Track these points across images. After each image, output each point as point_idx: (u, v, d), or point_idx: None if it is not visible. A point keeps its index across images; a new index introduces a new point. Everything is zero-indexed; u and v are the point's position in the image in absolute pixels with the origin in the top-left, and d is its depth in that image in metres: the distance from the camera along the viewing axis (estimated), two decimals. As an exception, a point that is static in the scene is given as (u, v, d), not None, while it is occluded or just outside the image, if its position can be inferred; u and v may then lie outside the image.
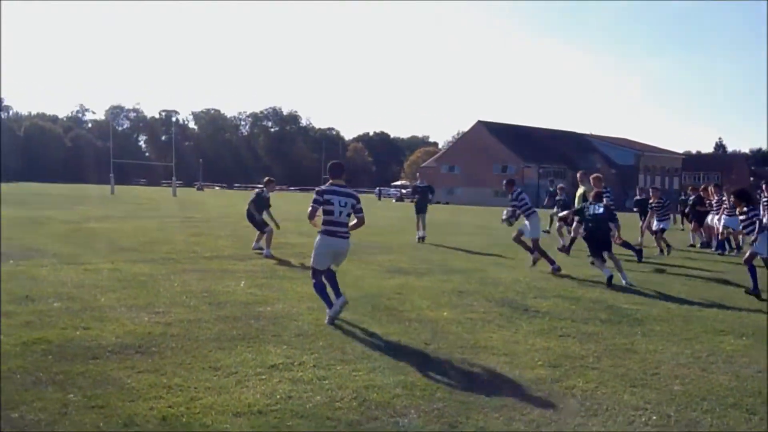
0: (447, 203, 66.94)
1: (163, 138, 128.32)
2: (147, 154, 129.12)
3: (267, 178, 14.63)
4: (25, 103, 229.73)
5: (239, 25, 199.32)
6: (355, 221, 7.38)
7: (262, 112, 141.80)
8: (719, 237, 16.89)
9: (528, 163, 78.41)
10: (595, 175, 13.94)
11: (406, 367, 5.58)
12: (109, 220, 21.01)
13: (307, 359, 5.64)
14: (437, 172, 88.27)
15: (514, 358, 5.99)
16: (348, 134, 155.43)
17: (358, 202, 7.33)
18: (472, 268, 12.25)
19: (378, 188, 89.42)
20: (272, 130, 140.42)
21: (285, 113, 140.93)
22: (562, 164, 79.99)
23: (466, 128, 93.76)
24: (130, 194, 48.38)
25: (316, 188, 7.44)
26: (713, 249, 17.43)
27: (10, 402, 4.29)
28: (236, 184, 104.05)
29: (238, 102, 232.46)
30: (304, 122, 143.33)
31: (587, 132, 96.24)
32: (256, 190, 14.69)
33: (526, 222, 12.31)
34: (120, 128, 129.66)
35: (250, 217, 13.80)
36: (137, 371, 5.09)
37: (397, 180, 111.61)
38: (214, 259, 12.14)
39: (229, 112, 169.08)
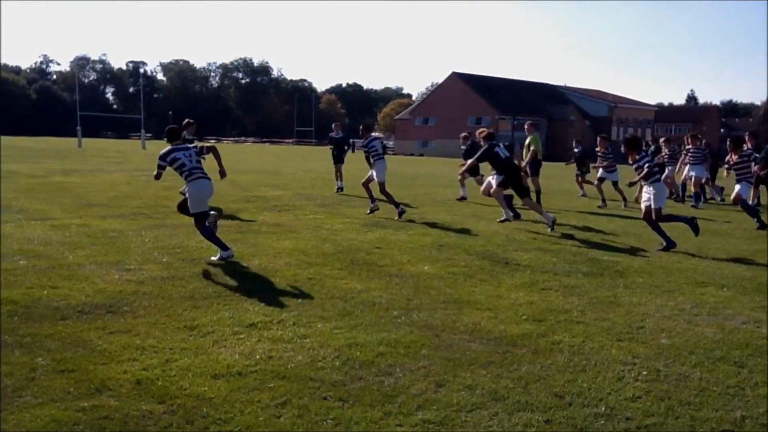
0: (421, 155, 66.66)
1: (131, 90, 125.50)
2: (115, 106, 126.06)
3: (186, 121, 14.22)
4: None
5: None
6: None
7: (232, 63, 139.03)
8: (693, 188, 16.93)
9: (503, 115, 78.07)
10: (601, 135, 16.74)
11: (389, 323, 5.43)
12: (77, 174, 20.43)
13: (287, 317, 5.46)
14: (411, 124, 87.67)
15: (498, 313, 5.87)
16: (321, 86, 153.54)
17: (199, 147, 8.52)
18: (450, 221, 12.11)
19: (351, 140, 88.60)
20: (243, 81, 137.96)
21: (256, 64, 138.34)
22: (537, 116, 79.85)
23: (440, 80, 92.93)
24: (98, 147, 47.24)
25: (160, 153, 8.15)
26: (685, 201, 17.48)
27: (-28, 367, 4.06)
28: (207, 137, 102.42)
29: (208, 53, 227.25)
30: (275, 74, 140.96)
31: (561, 84, 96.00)
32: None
33: (375, 168, 12.79)
34: (86, 80, 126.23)
35: None
36: (108, 332, 4.86)
37: (371, 132, 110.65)
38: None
39: (199, 63, 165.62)
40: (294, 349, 4.68)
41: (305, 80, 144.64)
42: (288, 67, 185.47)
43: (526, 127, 16.06)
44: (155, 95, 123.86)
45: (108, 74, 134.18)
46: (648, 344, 5.13)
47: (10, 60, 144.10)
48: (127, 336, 4.78)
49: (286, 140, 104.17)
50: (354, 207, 13.97)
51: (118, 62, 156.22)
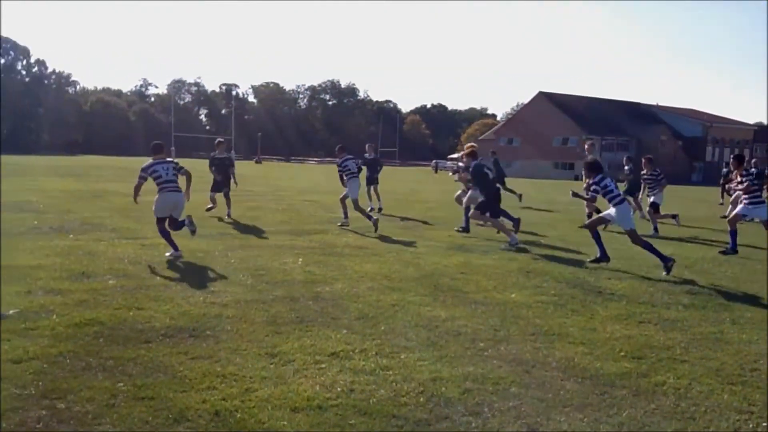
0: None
1: (223, 111, 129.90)
2: (207, 127, 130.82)
3: (217, 140, 15.71)
4: (91, 78, 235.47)
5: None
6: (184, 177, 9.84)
7: (320, 85, 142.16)
8: None
9: (590, 136, 76.17)
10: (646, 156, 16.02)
11: (475, 356, 5.16)
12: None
13: (369, 346, 5.26)
14: (495, 144, 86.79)
15: (593, 348, 5.49)
16: (405, 106, 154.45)
17: (177, 164, 9.76)
18: (538, 244, 11.68)
19: (434, 161, 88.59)
20: (330, 103, 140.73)
21: (343, 86, 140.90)
22: (625, 136, 77.50)
23: (526, 100, 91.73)
24: (190, 167, 48.87)
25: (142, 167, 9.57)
26: None
27: (57, 390, 4.05)
28: (293, 157, 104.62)
29: (297, 75, 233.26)
30: (361, 95, 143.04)
31: (653, 103, 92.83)
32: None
33: (348, 187, 13.75)
34: (181, 102, 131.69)
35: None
36: (190, 357, 4.80)
37: (454, 153, 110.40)
38: (271, 235, 11.91)
39: (288, 85, 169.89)
40: (376, 381, 4.48)
41: (390, 101, 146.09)
42: (374, 89, 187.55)
43: (586, 146, 15.75)
44: (245, 116, 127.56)
45: (202, 96, 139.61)
46: (764, 389, 4.64)
47: (113, 84, 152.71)
48: (208, 362, 4.70)
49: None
50: (436, 229, 13.73)
51: (211, 85, 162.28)
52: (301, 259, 9.20)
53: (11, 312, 5.73)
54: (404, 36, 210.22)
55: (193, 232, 9.64)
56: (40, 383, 4.15)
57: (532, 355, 5.27)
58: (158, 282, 7.33)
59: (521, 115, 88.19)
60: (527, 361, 5.09)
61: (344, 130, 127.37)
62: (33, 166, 28.15)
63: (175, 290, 6.94)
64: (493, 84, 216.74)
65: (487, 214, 11.71)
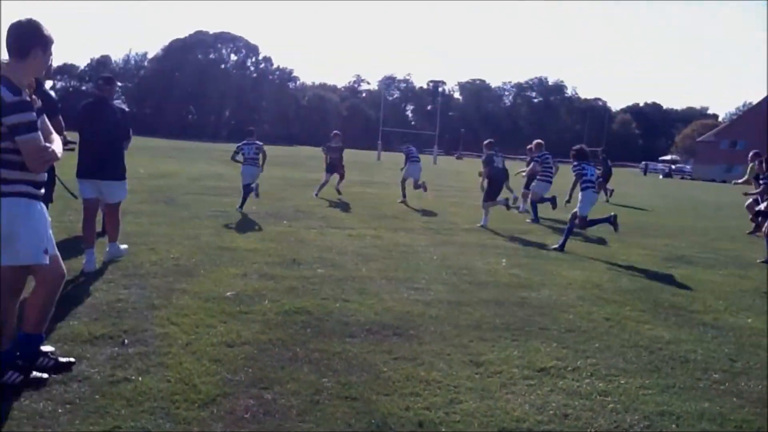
0: (723, 182, 59.69)
1: (429, 108, 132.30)
2: (413, 123, 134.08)
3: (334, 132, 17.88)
4: (310, 74, 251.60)
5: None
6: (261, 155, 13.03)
7: (527, 82, 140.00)
8: None
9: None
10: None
11: (709, 390, 4.47)
12: (373, 186, 21.68)
13: (582, 365, 4.78)
14: (715, 147, 79.70)
15: None
16: (616, 104, 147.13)
17: (260, 145, 12.95)
18: (776, 263, 10.26)
19: (644, 162, 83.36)
20: (536, 100, 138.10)
21: (550, 83, 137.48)
22: None
23: (756, 99, 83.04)
24: (394, 161, 50.25)
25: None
26: None
27: (265, 379, 4.07)
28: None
29: (504, 72, 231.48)
30: (569, 92, 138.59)
31: None
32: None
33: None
34: (390, 98, 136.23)
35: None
36: (394, 357, 4.64)
37: (666, 155, 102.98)
38: (472, 232, 11.66)
39: (494, 82, 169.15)
40: (593, 408, 4.01)
41: (600, 99, 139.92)
42: (583, 86, 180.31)
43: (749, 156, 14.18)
44: (450, 113, 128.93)
45: (410, 92, 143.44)
46: None
47: (329, 79, 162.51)
48: (411, 365, 4.51)
49: (566, 160, 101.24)
50: (651, 236, 12.65)
51: (419, 81, 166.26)
52: (504, 260, 8.84)
53: (229, 294, 5.99)
54: (617, 32, 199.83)
55: (256, 195, 12.60)
56: (250, 370, 4.20)
57: (782, 396, 4.47)
58: (363, 274, 7.35)
59: (749, 116, 79.97)
60: (776, 403, 4.32)
61: (549, 128, 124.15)
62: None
63: (380, 284, 6.90)
64: (717, 82, 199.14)
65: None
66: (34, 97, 3.76)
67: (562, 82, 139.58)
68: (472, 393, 4.10)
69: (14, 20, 3.70)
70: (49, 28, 3.76)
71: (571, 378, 4.49)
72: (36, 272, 3.80)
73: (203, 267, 7.13)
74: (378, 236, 10.32)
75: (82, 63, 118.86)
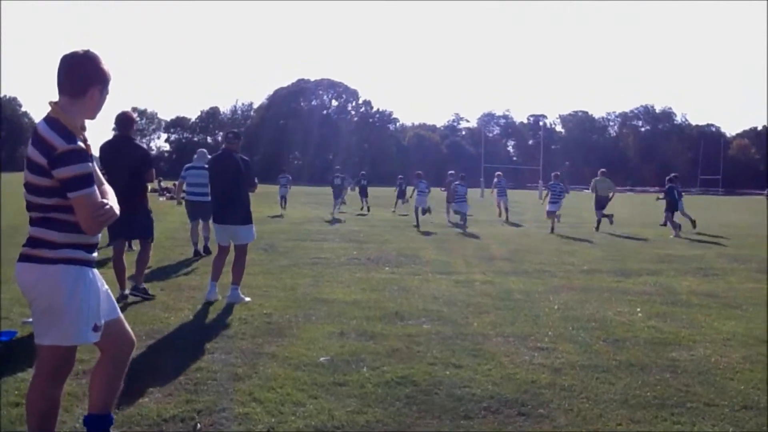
0: None
1: (530, 142, 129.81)
2: (515, 158, 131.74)
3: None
4: (410, 115, 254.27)
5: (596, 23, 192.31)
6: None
7: (632, 111, 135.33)
8: None
9: None
10: None
11: None
12: (478, 225, 20.69)
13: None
14: None
15: None
16: (731, 129, 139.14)
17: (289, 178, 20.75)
18: None
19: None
20: (643, 129, 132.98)
21: (657, 111, 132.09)
22: None
23: None
24: (486, 200, 48.90)
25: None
26: None
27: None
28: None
29: (608, 102, 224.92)
30: (678, 119, 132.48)
31: None
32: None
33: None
34: (490, 134, 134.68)
35: None
36: (522, 447, 3.68)
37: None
38: (592, 274, 10.43)
39: (597, 113, 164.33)
40: None
41: (712, 125, 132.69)
42: (693, 112, 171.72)
43: None
44: (552, 146, 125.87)
45: (510, 128, 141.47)
46: None
47: (429, 119, 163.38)
48: (546, 459, 3.54)
49: (691, 189, 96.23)
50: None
51: (519, 116, 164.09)
52: (639, 309, 7.63)
53: (322, 359, 5.21)
54: (726, 53, 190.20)
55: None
56: (344, 468, 3.37)
57: None
58: (476, 329, 6.40)
59: None
60: None
61: (658, 157, 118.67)
62: (355, 197, 30.16)
63: (495, 342, 5.93)
64: None
65: None
66: (88, 143, 3.15)
67: (670, 108, 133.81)
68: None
69: (68, 51, 3.11)
70: (107, 63, 3.16)
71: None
72: (99, 343, 3.17)
73: (297, 325, 6.41)
74: (488, 281, 9.36)
75: (192, 115, 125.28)
